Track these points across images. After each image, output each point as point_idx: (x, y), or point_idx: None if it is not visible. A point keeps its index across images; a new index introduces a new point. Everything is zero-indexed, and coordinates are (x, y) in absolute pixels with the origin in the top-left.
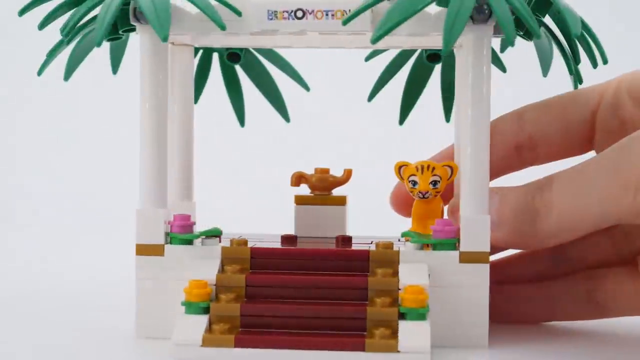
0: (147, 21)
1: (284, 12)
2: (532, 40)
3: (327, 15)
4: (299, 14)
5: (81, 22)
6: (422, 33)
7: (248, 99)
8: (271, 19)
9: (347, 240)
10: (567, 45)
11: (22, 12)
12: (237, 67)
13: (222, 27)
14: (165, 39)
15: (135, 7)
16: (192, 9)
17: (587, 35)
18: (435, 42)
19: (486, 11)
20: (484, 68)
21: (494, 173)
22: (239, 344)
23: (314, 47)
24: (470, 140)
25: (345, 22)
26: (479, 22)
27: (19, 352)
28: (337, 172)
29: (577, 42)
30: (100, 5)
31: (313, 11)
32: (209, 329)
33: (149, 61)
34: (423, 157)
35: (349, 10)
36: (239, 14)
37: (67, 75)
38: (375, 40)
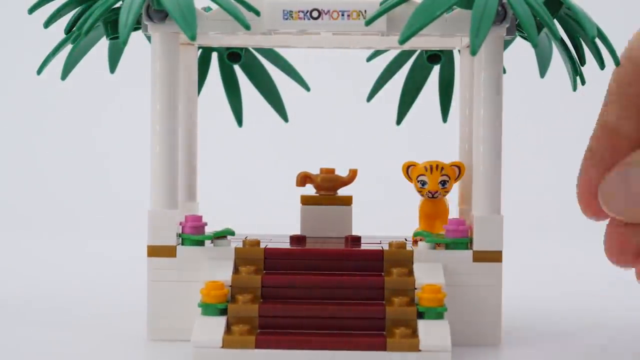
0: (162, 20)
1: (299, 12)
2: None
3: (342, 15)
4: (315, 14)
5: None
6: (437, 34)
7: (254, 99)
8: (287, 19)
9: (356, 240)
10: (572, 47)
11: (32, 10)
12: (236, 67)
13: (247, 27)
14: (193, 37)
15: (149, 5)
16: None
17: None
18: (437, 43)
19: (501, 13)
20: (496, 68)
21: None
22: (260, 345)
23: (318, 47)
24: (483, 140)
25: (368, 23)
26: (494, 24)
27: (31, 354)
28: (342, 172)
29: (582, 44)
30: (118, 4)
31: (329, 11)
32: (229, 330)
33: (160, 61)
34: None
35: (364, 11)
36: (257, 13)
37: (65, 74)
38: (403, 41)
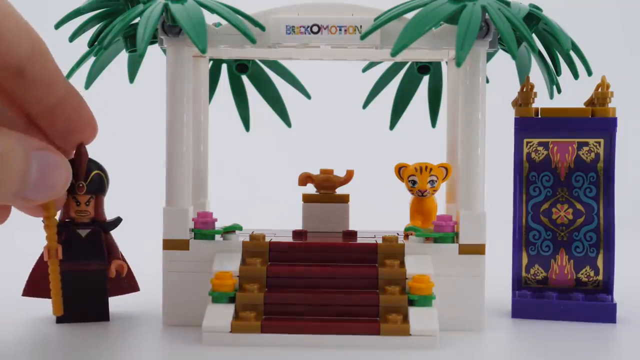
0: (176, 34)
1: (300, 27)
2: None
3: (340, 30)
4: (315, 29)
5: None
6: (426, 47)
7: (260, 106)
8: (289, 34)
9: (352, 234)
10: (549, 58)
11: (58, 25)
12: (244, 77)
13: (253, 41)
14: (204, 50)
15: (164, 21)
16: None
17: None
18: (426, 55)
19: (484, 28)
20: (479, 78)
21: None
22: (265, 329)
23: (318, 59)
24: (466, 143)
25: (363, 37)
26: (478, 38)
27: (54, 337)
28: (340, 172)
29: (559, 56)
30: (136, 20)
31: (328, 26)
32: (237, 317)
33: (174, 72)
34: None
35: (360, 26)
36: (263, 28)
37: (89, 83)
38: (395, 54)
